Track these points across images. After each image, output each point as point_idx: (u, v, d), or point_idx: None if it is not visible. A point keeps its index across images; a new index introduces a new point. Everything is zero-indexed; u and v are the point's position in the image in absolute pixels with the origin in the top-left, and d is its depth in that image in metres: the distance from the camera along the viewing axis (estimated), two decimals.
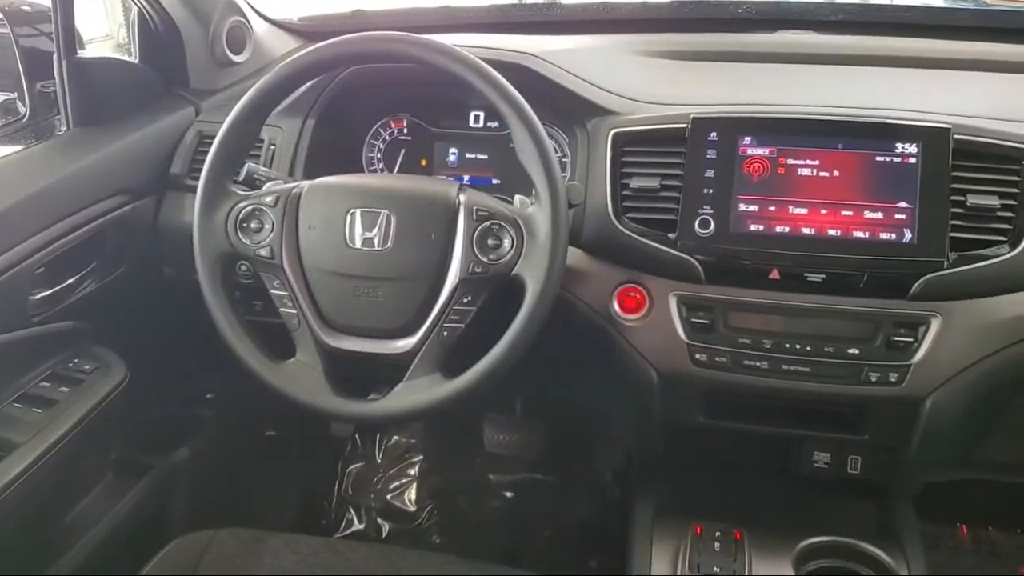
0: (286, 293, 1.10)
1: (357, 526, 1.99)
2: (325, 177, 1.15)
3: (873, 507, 1.33)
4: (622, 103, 1.23)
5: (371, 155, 1.45)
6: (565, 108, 1.27)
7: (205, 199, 1.11)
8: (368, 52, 1.09)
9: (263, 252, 1.10)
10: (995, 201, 1.08)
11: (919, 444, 1.16)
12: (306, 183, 1.13)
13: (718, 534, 1.23)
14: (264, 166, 1.31)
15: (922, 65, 1.33)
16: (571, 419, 1.97)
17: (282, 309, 1.11)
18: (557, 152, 1.29)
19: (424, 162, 1.43)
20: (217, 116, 1.37)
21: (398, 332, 1.09)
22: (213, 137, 1.12)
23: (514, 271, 1.06)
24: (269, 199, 1.11)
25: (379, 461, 2.07)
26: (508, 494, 2.01)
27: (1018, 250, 1.07)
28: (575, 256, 1.20)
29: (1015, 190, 1.08)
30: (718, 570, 1.18)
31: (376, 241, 1.08)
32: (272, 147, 1.35)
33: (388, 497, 2.01)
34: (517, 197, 1.14)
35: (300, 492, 2.01)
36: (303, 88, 1.25)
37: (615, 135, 1.18)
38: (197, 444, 1.67)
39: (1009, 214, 1.08)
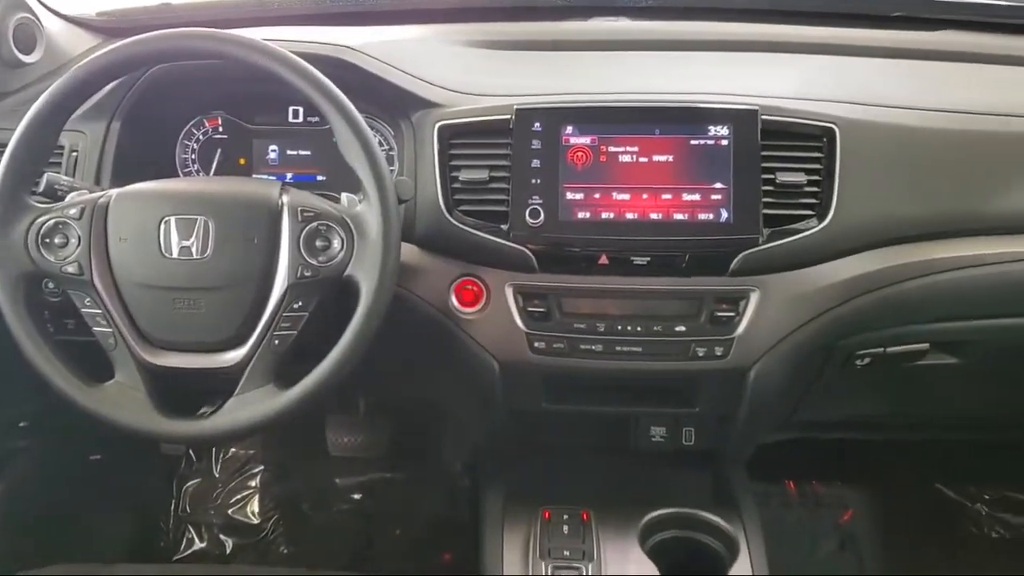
0: (99, 311, 1.03)
1: (199, 545, 1.90)
2: (135, 184, 1.08)
3: (709, 474, 1.39)
4: (445, 95, 1.22)
5: (185, 157, 1.37)
6: (387, 101, 1.25)
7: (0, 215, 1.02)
8: (173, 50, 1.03)
9: (70, 269, 1.02)
10: (802, 177, 1.14)
11: (747, 412, 1.22)
12: (114, 191, 1.06)
13: (566, 517, 1.26)
14: (66, 175, 1.20)
15: (732, 48, 1.39)
16: (417, 414, 1.96)
17: (95, 328, 1.03)
18: (383, 146, 1.27)
19: (243, 161, 1.37)
20: (8, 122, 1.24)
21: (225, 344, 1.04)
22: (4, 145, 1.03)
23: (346, 272, 1.03)
24: (73, 211, 1.03)
25: (217, 475, 1.98)
26: (356, 496, 1.97)
27: (825, 223, 1.13)
28: (409, 252, 1.18)
29: (819, 166, 1.15)
30: (567, 553, 1.20)
31: (194, 249, 1.02)
32: (74, 153, 1.24)
33: (229, 511, 1.93)
34: (344, 195, 1.11)
35: (134, 516, 1.89)
36: (106, 89, 1.17)
37: (441, 128, 1.17)
38: (13, 477, 1.54)
39: (815, 189, 1.14)
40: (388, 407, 1.95)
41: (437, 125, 1.17)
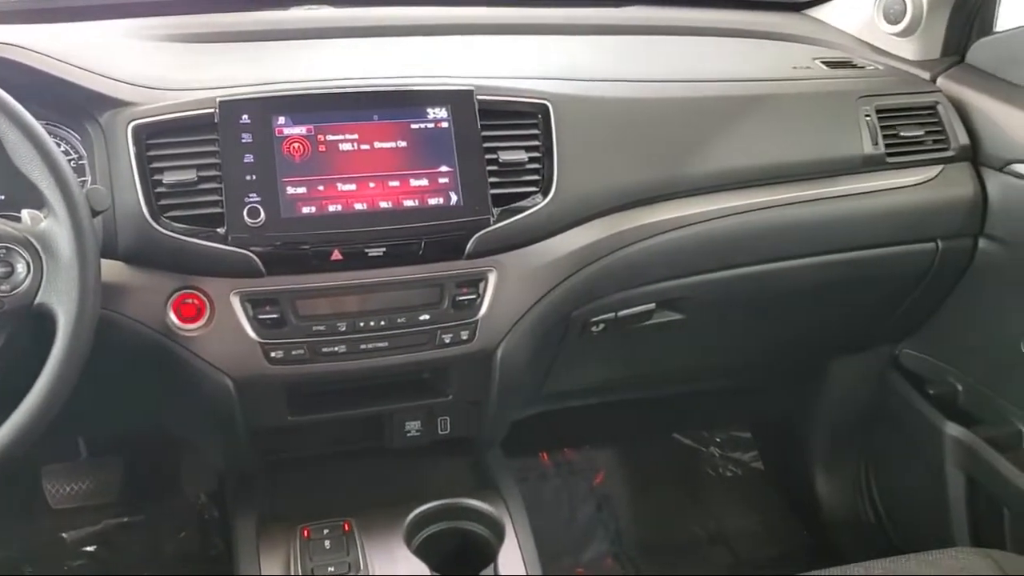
0: None
1: None
2: None
3: (469, 460, 1.39)
4: (138, 92, 1.09)
5: None
6: (69, 104, 1.10)
7: None
8: None
9: None
10: (523, 155, 1.15)
11: (497, 392, 1.22)
12: None
13: (326, 531, 1.19)
14: None
15: (444, 32, 1.39)
16: (148, 448, 1.79)
17: None
18: (70, 156, 1.12)
19: None
20: None
21: None
22: None
23: (37, 300, 0.90)
24: None
25: None
26: (90, 548, 1.77)
27: (549, 198, 1.15)
28: (113, 269, 1.05)
29: (538, 143, 1.17)
30: (332, 569, 1.14)
31: None
32: None
33: None
34: (26, 212, 0.96)
35: None
36: None
37: (135, 128, 1.05)
38: None
39: (537, 166, 1.16)
40: (115, 445, 1.77)
41: (130, 125, 1.05)
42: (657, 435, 2.16)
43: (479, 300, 1.14)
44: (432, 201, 1.09)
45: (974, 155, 1.41)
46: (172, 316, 1.07)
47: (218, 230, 1.05)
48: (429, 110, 1.11)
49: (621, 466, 2.12)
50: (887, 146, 1.36)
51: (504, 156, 1.14)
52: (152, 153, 1.05)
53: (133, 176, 1.04)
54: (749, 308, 1.47)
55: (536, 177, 1.16)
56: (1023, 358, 1.33)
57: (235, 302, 1.08)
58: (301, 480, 1.32)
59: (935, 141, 1.40)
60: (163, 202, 1.05)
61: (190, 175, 1.05)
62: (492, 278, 1.15)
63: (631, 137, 1.25)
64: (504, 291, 1.15)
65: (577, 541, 1.95)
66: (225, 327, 1.08)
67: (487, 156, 1.12)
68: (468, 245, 1.12)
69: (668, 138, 1.28)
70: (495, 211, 1.12)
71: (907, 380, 1.67)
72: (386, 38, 1.36)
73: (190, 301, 1.08)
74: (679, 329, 1.40)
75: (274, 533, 1.22)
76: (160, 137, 1.06)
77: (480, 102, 1.13)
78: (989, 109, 1.40)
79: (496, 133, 1.14)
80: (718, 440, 2.18)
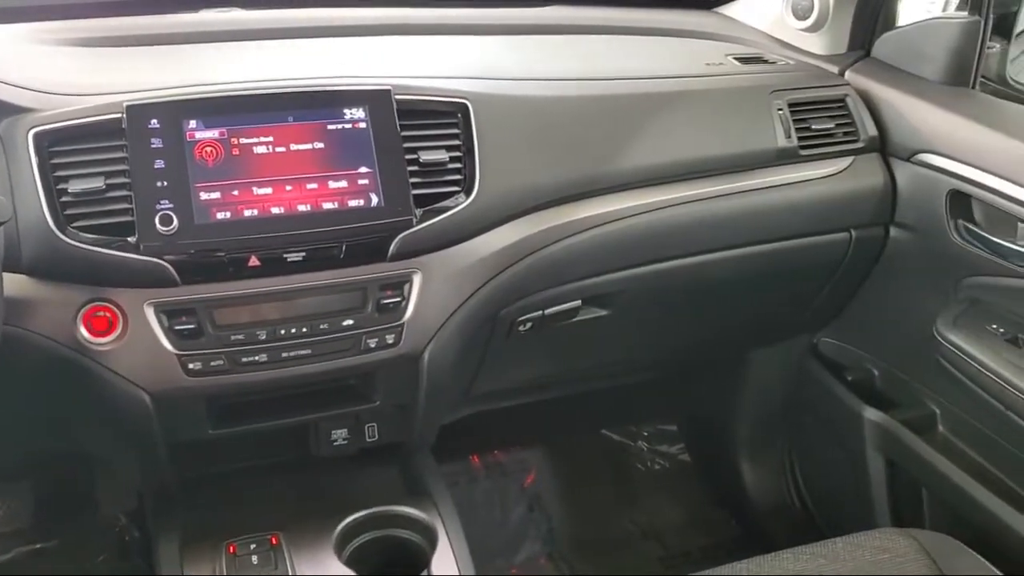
0: None
1: None
2: None
3: (398, 467, 1.37)
4: (38, 98, 1.05)
5: None
6: None
7: None
8: None
9: None
10: (444, 155, 1.14)
11: (426, 396, 1.21)
12: None
13: (254, 546, 1.16)
14: None
15: (361, 33, 1.37)
16: (61, 468, 1.71)
17: None
18: None
19: None
20: None
21: None
22: None
23: None
24: None
25: None
26: None
27: (472, 198, 1.14)
28: (16, 283, 1.00)
29: (459, 142, 1.16)
30: None
31: None
32: None
33: None
34: None
35: None
36: None
37: (36, 135, 1.00)
38: None
39: (458, 165, 1.15)
40: (25, 469, 1.69)
41: (31, 132, 1.00)
42: (586, 432, 2.17)
43: (404, 303, 1.12)
44: (352, 203, 1.07)
45: (882, 146, 1.46)
46: (83, 330, 1.03)
47: (129, 239, 1.01)
48: (346, 110, 1.09)
49: (551, 465, 2.12)
50: (800, 139, 1.39)
51: (425, 156, 1.12)
52: (56, 161, 1.01)
53: (36, 185, 1.00)
54: (672, 303, 1.48)
55: (458, 177, 1.15)
56: (935, 342, 1.37)
57: (149, 313, 1.04)
58: (225, 494, 1.28)
59: (845, 133, 1.44)
60: (69, 211, 1.01)
61: (98, 183, 1.00)
62: (417, 280, 1.13)
63: (551, 135, 1.25)
64: (430, 293, 1.14)
65: (510, 542, 1.95)
66: (139, 340, 1.04)
67: (407, 156, 1.11)
68: (391, 247, 1.10)
69: (588, 136, 1.28)
70: (417, 212, 1.11)
71: (826, 368, 1.71)
72: (299, 40, 1.34)
73: (102, 314, 1.04)
74: (605, 326, 1.41)
75: (199, 551, 1.18)
76: (64, 144, 1.02)
77: (398, 102, 1.11)
78: (895, 101, 1.45)
79: (416, 133, 1.13)
80: (646, 434, 2.20)
